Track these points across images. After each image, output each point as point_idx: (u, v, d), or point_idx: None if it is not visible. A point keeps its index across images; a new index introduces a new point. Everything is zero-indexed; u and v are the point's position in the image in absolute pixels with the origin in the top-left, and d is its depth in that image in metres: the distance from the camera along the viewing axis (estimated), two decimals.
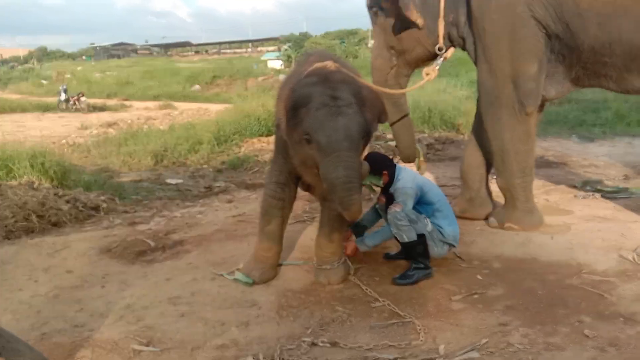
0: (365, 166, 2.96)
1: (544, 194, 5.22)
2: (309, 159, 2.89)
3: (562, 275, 3.33)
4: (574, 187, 5.52)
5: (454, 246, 3.51)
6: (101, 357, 2.56)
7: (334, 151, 2.70)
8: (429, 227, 3.33)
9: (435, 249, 3.38)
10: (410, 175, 3.45)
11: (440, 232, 3.38)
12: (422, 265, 3.32)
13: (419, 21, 3.94)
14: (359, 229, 3.68)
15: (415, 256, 3.33)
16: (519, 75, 3.90)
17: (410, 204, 3.30)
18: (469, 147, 4.63)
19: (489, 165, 4.55)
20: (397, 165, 3.49)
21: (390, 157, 3.60)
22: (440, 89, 12.72)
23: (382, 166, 3.39)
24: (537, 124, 4.27)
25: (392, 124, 4.56)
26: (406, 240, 3.26)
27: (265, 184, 3.60)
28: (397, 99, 4.44)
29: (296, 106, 2.84)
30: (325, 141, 2.71)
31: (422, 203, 3.42)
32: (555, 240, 3.93)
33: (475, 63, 4.18)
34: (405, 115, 4.54)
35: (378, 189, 3.57)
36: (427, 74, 4.15)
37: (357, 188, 2.76)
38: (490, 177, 4.70)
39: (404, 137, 4.66)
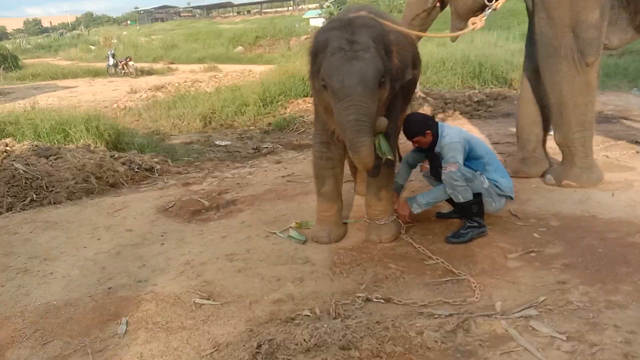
0: (383, 121, 2.83)
1: (603, 150, 5.00)
2: (330, 106, 2.83)
3: (624, 233, 3.21)
4: (636, 142, 5.27)
5: (511, 198, 3.42)
6: (165, 310, 2.68)
7: (347, 96, 2.63)
8: (486, 183, 3.25)
9: (494, 204, 3.31)
10: (455, 131, 3.34)
11: (497, 186, 3.30)
12: (476, 224, 3.26)
13: None
14: (396, 188, 3.56)
15: (470, 215, 3.26)
16: (579, 23, 3.68)
17: (460, 158, 3.20)
18: (522, 105, 4.46)
19: (546, 123, 4.37)
20: (440, 122, 3.39)
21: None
22: (491, 43, 12.22)
23: (424, 126, 3.28)
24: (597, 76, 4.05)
25: None
26: (462, 200, 3.18)
27: (312, 146, 3.59)
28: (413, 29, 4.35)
29: (316, 52, 2.81)
30: (338, 86, 2.65)
31: (470, 158, 3.32)
32: (616, 197, 3.78)
33: (532, 12, 3.98)
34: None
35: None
36: (474, 23, 3.97)
37: (367, 131, 2.66)
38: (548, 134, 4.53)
39: None
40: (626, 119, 6.60)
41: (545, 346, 2.15)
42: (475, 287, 2.70)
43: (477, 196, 3.22)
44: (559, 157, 4.28)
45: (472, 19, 4.03)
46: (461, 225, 3.35)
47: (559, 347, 2.14)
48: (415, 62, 3.20)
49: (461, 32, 4.31)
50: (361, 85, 2.64)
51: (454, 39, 4.43)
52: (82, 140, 5.98)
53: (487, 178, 3.28)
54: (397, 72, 2.91)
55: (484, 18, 3.99)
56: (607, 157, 4.77)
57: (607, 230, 3.27)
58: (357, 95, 2.64)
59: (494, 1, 3.98)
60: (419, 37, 4.38)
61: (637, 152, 4.88)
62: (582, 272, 2.78)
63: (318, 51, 2.80)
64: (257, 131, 7.76)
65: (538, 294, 2.59)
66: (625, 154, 4.84)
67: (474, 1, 4.11)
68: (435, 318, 2.42)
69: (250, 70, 15.99)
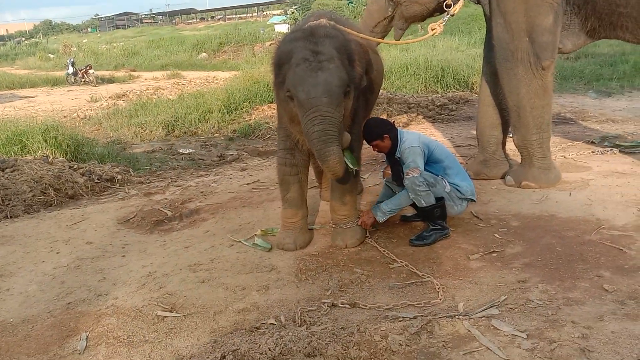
0: (347, 137, 2.88)
1: (561, 150, 5.16)
2: (296, 116, 2.84)
3: (581, 231, 3.31)
4: (592, 142, 5.46)
5: (473, 201, 3.48)
6: (126, 324, 2.62)
7: (313, 106, 2.66)
8: (447, 187, 3.30)
9: (456, 208, 3.36)
10: (415, 135, 3.39)
11: (458, 189, 3.35)
12: (439, 227, 3.31)
13: None
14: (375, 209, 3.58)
15: (433, 219, 3.31)
16: (534, 27, 3.79)
17: (420, 162, 3.24)
18: (481, 108, 4.55)
19: (505, 126, 4.48)
20: (399, 129, 3.43)
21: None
22: (453, 47, 12.45)
23: (382, 130, 3.32)
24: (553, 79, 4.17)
25: None
26: (425, 205, 3.23)
27: (276, 153, 3.58)
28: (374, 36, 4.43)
29: (280, 63, 2.82)
30: (304, 97, 2.67)
31: (430, 162, 3.36)
32: (574, 196, 3.89)
33: (489, 18, 4.07)
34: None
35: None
36: (433, 29, 4.03)
37: (334, 140, 2.70)
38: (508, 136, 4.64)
39: None
40: (583, 120, 6.81)
41: (506, 345, 2.19)
42: (438, 288, 2.73)
43: (440, 200, 3.26)
44: (519, 159, 4.38)
45: (431, 25, 4.09)
46: (424, 228, 3.39)
47: (519, 345, 2.18)
48: (369, 68, 3.24)
49: (422, 38, 4.37)
50: (327, 95, 2.66)
51: (397, 38, 4.51)
52: (39, 152, 5.80)
53: (449, 182, 3.33)
54: (360, 80, 2.95)
55: (443, 24, 4.07)
56: (565, 157, 4.91)
57: (565, 229, 3.36)
58: (323, 106, 2.66)
59: (451, 7, 4.06)
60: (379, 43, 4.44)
61: (593, 152, 5.04)
62: (541, 271, 2.85)
63: (282, 62, 2.81)
64: (222, 138, 7.69)
65: (499, 294, 2.63)
66: (581, 154, 4.99)
67: (423, 7, 4.18)
68: (400, 321, 2.44)
69: (214, 77, 15.90)
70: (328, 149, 2.68)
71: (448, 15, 4.07)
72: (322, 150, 2.69)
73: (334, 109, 2.69)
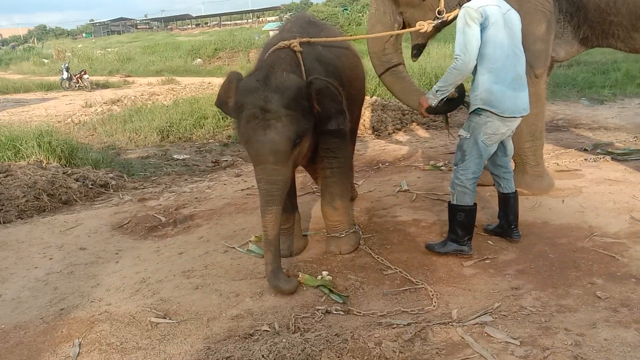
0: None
1: (554, 157, 5.18)
2: None
3: (574, 238, 3.32)
4: (584, 150, 5.49)
5: (515, 117, 3.14)
6: (119, 330, 2.61)
7: (260, 164, 2.77)
8: (482, 136, 3.17)
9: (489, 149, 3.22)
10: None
11: (481, 114, 3.17)
12: (456, 238, 3.16)
13: None
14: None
15: (454, 222, 3.15)
16: (526, 36, 3.81)
17: (470, 44, 2.97)
18: None
19: None
20: None
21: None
22: (447, 55, 12.51)
23: None
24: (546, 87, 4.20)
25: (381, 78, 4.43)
26: (455, 202, 3.13)
27: None
28: (390, 59, 4.32)
29: (236, 110, 2.85)
30: (252, 154, 2.79)
31: (481, 55, 3.02)
32: (566, 203, 3.91)
33: None
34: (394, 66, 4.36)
35: None
36: (421, 25, 3.96)
37: (275, 202, 2.80)
38: None
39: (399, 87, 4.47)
40: (575, 127, 6.85)
41: (499, 352, 2.20)
42: (432, 295, 2.74)
43: (471, 206, 3.16)
44: (512, 166, 4.39)
45: (420, 22, 4.01)
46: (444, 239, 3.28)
47: (512, 352, 2.18)
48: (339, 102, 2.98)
49: (404, 31, 4.26)
50: (273, 155, 2.72)
51: (415, 57, 4.47)
52: (33, 157, 5.79)
53: (482, 89, 3.13)
54: (323, 118, 2.91)
55: (432, 25, 4.01)
56: (558, 164, 4.94)
57: (557, 236, 3.37)
58: (270, 164, 2.75)
59: (444, 13, 4.05)
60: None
61: (586, 159, 5.07)
62: (534, 278, 2.86)
63: (237, 110, 2.83)
64: (217, 144, 7.69)
65: (493, 301, 2.64)
66: (574, 162, 5.02)
67: (424, 15, 4.15)
68: (394, 328, 2.44)
69: (209, 83, 15.89)
70: (268, 209, 2.79)
71: (439, 21, 4.05)
72: (263, 207, 2.82)
73: (281, 165, 2.77)
